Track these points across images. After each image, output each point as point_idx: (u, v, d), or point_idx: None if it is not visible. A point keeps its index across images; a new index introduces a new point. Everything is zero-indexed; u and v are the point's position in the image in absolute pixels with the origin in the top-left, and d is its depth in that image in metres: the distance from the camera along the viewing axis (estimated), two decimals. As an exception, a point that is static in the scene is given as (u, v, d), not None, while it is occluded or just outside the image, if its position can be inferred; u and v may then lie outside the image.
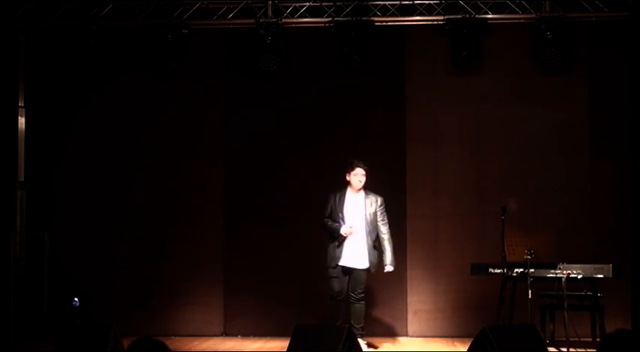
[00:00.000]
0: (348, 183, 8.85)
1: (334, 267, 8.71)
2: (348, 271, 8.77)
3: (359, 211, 8.79)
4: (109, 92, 10.42)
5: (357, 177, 8.78)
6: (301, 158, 10.25)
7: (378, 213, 8.79)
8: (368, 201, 8.80)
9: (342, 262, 8.72)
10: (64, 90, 10.41)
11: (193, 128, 10.47)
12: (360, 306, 8.76)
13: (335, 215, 8.78)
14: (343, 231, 8.67)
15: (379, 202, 8.80)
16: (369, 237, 8.76)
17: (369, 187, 8.90)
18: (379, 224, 8.80)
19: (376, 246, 8.80)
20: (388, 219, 8.86)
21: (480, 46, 9.85)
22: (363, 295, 8.77)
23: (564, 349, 8.44)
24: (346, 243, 8.71)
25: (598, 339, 8.81)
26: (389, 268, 8.83)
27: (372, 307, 9.84)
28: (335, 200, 8.80)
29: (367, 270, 8.77)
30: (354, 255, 8.73)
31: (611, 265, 8.68)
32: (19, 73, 10.34)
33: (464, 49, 9.83)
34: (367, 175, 8.81)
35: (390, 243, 8.79)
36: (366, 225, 8.75)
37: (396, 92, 10.23)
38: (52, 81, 10.39)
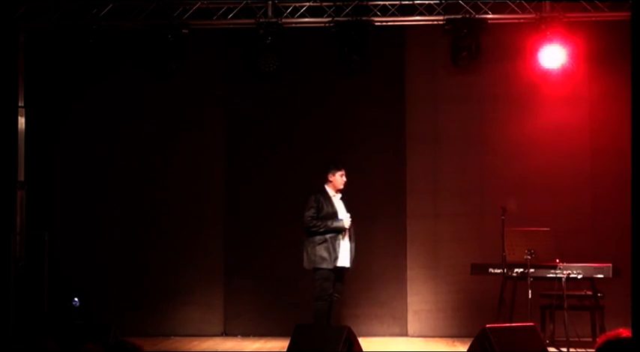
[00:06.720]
0: (328, 184, 8.66)
1: (332, 269, 8.45)
2: (337, 271, 8.54)
3: (343, 211, 8.61)
4: (109, 92, 10.42)
5: (343, 177, 8.62)
6: (301, 158, 10.24)
7: None
8: (343, 200, 8.66)
9: (340, 263, 8.50)
10: (63, 90, 10.42)
11: (193, 128, 10.47)
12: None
13: (328, 216, 8.52)
14: (347, 223, 8.48)
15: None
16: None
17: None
18: None
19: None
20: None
21: (479, 46, 9.83)
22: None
23: (564, 349, 8.44)
24: (341, 244, 8.47)
25: (598, 339, 8.81)
26: None
27: (372, 307, 9.84)
28: (323, 201, 8.57)
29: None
30: (346, 254, 8.55)
31: (611, 265, 8.70)
32: (19, 73, 10.33)
33: (464, 49, 9.82)
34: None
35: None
36: None
37: (396, 92, 10.23)
38: (51, 81, 10.40)
